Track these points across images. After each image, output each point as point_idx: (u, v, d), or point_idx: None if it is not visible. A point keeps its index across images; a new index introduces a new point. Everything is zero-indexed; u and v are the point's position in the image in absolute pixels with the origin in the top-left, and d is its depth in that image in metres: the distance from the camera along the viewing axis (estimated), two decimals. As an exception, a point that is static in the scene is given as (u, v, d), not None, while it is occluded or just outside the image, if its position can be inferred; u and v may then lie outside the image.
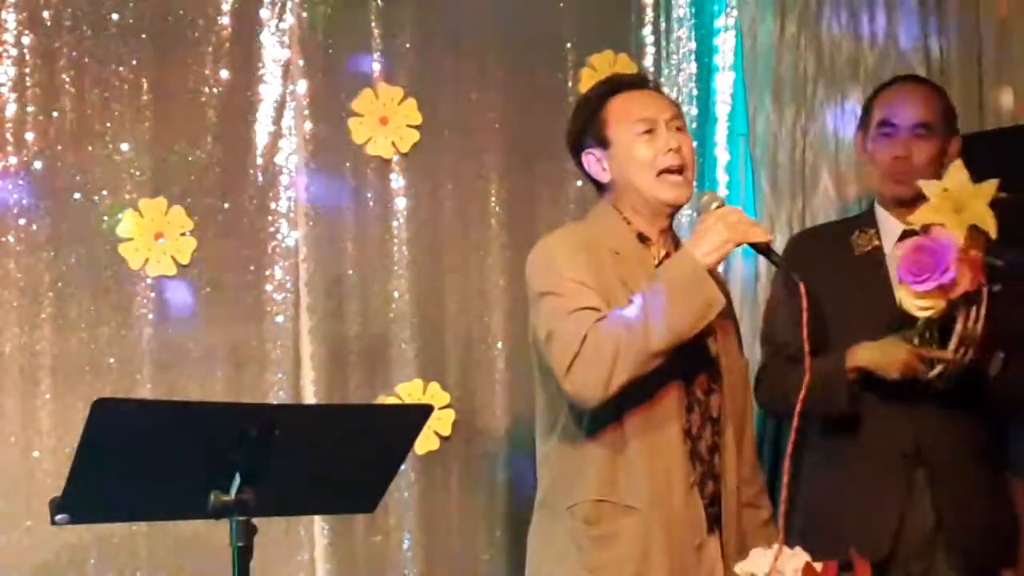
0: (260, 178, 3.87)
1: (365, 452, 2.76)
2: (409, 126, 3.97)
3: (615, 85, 3.15)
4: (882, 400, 3.39)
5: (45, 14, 3.71)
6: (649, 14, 4.23)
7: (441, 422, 3.92)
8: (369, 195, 3.96)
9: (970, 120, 4.14)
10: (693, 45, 4.25)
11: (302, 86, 3.90)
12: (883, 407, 3.40)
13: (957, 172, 3.10)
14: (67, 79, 3.72)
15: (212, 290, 3.81)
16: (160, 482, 2.59)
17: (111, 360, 3.72)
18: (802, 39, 4.27)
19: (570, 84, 4.12)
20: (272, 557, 3.72)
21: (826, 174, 4.24)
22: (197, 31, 3.83)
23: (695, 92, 4.24)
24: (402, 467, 3.49)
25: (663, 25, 4.24)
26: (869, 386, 3.37)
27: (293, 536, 3.81)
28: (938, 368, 3.17)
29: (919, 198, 3.20)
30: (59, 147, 3.71)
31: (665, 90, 3.56)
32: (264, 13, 3.88)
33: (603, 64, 4.13)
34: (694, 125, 4.19)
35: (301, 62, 3.90)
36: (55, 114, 3.71)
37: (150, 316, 3.75)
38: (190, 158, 3.82)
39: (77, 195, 3.72)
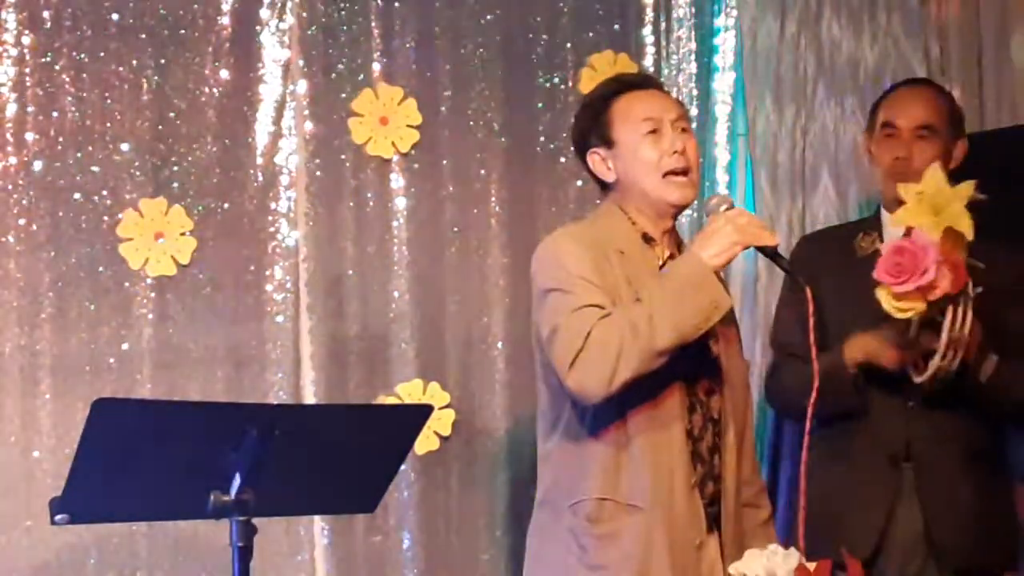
0: (260, 178, 3.87)
1: (365, 452, 2.76)
2: (409, 126, 3.97)
3: (620, 85, 3.14)
4: (874, 402, 3.39)
5: (45, 14, 3.72)
6: (649, 14, 4.23)
7: (441, 422, 3.92)
8: (369, 195, 3.96)
9: (970, 120, 4.14)
10: (693, 45, 4.25)
11: (302, 86, 3.90)
12: (875, 408, 3.40)
13: (934, 174, 3.09)
14: (67, 79, 3.73)
15: (212, 290, 3.82)
16: (160, 482, 2.59)
17: (111, 360, 3.73)
18: (802, 39, 4.26)
19: (570, 84, 4.12)
20: (272, 557, 3.72)
21: (826, 174, 4.24)
22: (197, 31, 3.83)
23: (695, 92, 4.24)
24: (402, 467, 3.49)
25: (663, 25, 4.23)
26: (863, 386, 3.37)
27: (293, 536, 3.81)
28: (929, 371, 3.17)
29: None
30: (59, 147, 3.72)
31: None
32: (264, 13, 3.89)
33: (603, 64, 4.13)
34: (694, 125, 4.17)
35: (301, 62, 3.90)
36: (55, 114, 3.71)
37: (150, 316, 3.75)
38: (190, 158, 3.82)
39: (77, 195, 3.73)
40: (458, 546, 3.96)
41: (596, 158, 3.07)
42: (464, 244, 4.02)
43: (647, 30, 4.23)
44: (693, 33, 4.25)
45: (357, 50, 3.97)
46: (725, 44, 4.28)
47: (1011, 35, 4.20)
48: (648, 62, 4.21)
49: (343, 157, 3.94)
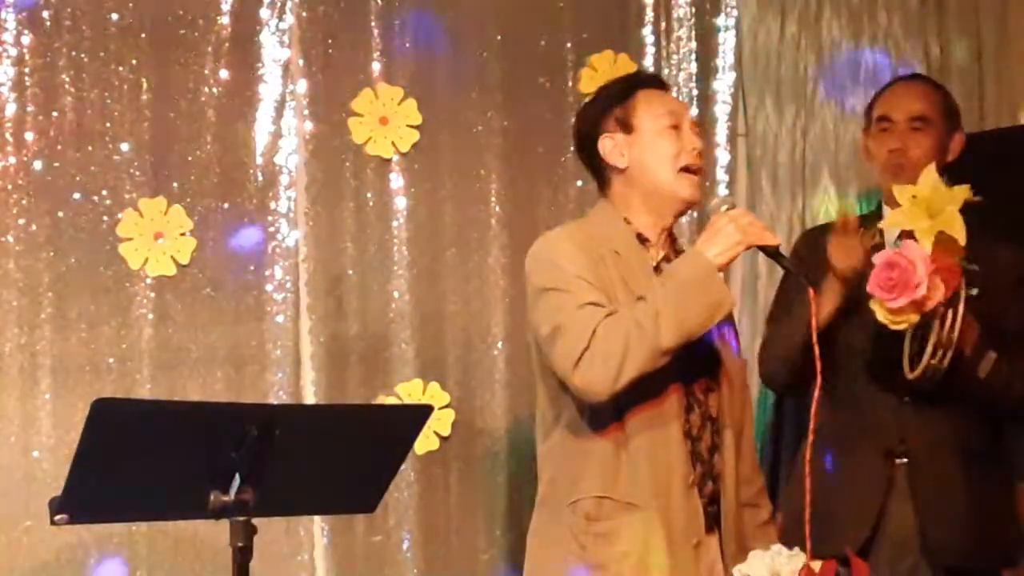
0: (260, 178, 3.87)
1: (365, 452, 2.76)
2: (409, 126, 3.98)
3: (645, 79, 3.21)
4: (869, 397, 3.40)
5: (45, 14, 3.72)
6: (649, 14, 4.22)
7: (441, 422, 3.92)
8: (369, 195, 3.96)
9: (970, 120, 4.14)
10: (693, 45, 4.25)
11: (302, 86, 3.90)
12: (869, 404, 3.41)
13: (929, 175, 3.09)
14: (67, 79, 3.73)
15: (212, 290, 3.82)
16: (160, 482, 2.59)
17: (111, 360, 3.73)
18: (802, 39, 4.26)
19: (570, 84, 4.12)
20: (272, 557, 3.72)
21: (826, 174, 4.24)
22: (197, 31, 3.83)
23: (695, 92, 4.24)
24: (402, 467, 3.49)
25: (663, 25, 4.23)
26: (859, 384, 3.38)
27: (293, 536, 3.81)
28: (918, 369, 3.17)
29: None
30: (59, 147, 3.72)
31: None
32: (264, 13, 3.89)
33: (603, 64, 4.13)
34: (694, 125, 4.19)
35: (301, 62, 3.90)
36: (55, 114, 3.72)
37: (150, 316, 3.76)
38: (190, 158, 3.82)
39: (77, 195, 3.73)
40: (458, 546, 3.96)
41: (609, 142, 3.06)
42: (464, 244, 4.02)
43: (647, 30, 4.22)
44: (693, 33, 4.25)
45: (357, 50, 3.97)
46: (725, 44, 4.28)
47: (1011, 35, 4.20)
48: (648, 62, 4.21)
49: (343, 157, 3.94)
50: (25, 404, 3.65)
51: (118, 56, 3.77)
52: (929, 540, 3.38)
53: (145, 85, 3.78)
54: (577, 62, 4.14)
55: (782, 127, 4.25)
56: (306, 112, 3.90)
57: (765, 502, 3.20)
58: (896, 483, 3.41)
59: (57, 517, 2.56)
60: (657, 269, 3.03)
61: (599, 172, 3.12)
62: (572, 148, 3.33)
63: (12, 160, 3.67)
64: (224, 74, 3.85)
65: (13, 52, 3.69)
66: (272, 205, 3.88)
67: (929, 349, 3.10)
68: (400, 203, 3.97)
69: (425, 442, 3.89)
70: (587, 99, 3.31)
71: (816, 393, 2.79)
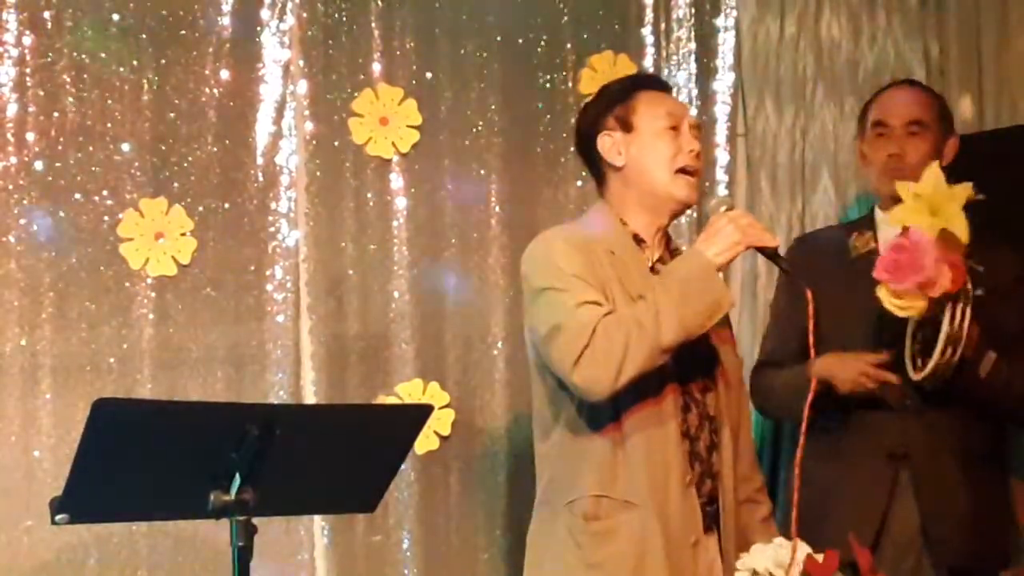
0: (260, 178, 3.87)
1: (365, 452, 2.76)
2: (409, 126, 3.98)
3: (647, 80, 3.24)
4: (873, 400, 3.40)
5: (46, 14, 3.72)
6: (649, 14, 4.22)
7: (441, 422, 3.93)
8: (369, 195, 3.96)
9: (970, 120, 4.14)
10: (693, 45, 4.25)
11: (302, 86, 3.90)
12: (873, 406, 3.41)
13: (932, 174, 3.10)
14: (68, 79, 3.73)
15: (212, 290, 3.82)
16: (160, 482, 2.59)
17: (111, 360, 3.73)
18: (802, 39, 4.26)
19: (570, 84, 4.12)
20: (272, 557, 3.72)
21: (826, 174, 4.24)
22: (197, 31, 3.83)
23: (695, 92, 4.24)
24: (402, 467, 3.49)
25: (663, 25, 4.23)
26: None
27: (293, 536, 3.81)
28: (928, 368, 3.17)
29: None
30: (59, 147, 3.72)
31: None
32: (264, 13, 3.89)
33: (603, 64, 4.13)
34: (694, 125, 4.19)
35: (301, 62, 3.91)
36: (56, 114, 3.71)
37: (150, 316, 3.76)
38: (190, 158, 3.82)
39: (77, 195, 3.73)
40: (457, 546, 3.97)
41: (608, 140, 3.08)
42: (464, 244, 4.03)
43: (647, 30, 4.22)
44: (693, 33, 4.25)
45: (357, 50, 3.97)
46: (725, 44, 4.28)
47: (1011, 35, 4.20)
48: (648, 62, 4.21)
49: (343, 157, 3.94)
50: (26, 404, 3.65)
51: (118, 56, 3.77)
52: (933, 540, 3.39)
53: (146, 85, 3.78)
54: (577, 62, 4.14)
55: (781, 127, 4.25)
56: (306, 112, 3.90)
57: (765, 499, 3.21)
58: (900, 484, 3.41)
59: (58, 517, 2.56)
60: (652, 269, 3.04)
61: (597, 170, 3.13)
62: (572, 148, 3.33)
63: (13, 160, 3.67)
64: (225, 75, 3.85)
65: (14, 52, 3.69)
66: (272, 205, 3.88)
67: (939, 347, 3.10)
68: (400, 203, 3.97)
69: (425, 442, 3.89)
70: (588, 98, 3.32)
71: (810, 397, 2.80)
